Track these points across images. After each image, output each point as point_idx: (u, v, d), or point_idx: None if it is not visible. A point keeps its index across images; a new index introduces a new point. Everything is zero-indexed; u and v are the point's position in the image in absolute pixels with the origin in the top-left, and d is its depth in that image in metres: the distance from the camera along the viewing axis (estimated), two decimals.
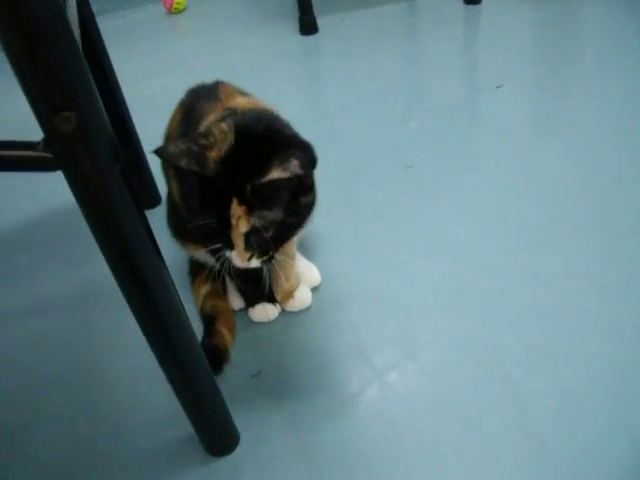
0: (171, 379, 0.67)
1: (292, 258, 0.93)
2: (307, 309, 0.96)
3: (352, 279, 1.00)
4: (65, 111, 0.46)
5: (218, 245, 0.70)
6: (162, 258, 0.60)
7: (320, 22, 1.94)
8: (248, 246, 0.68)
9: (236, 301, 0.96)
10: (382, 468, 0.73)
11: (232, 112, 0.72)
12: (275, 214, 0.67)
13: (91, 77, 0.49)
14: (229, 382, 0.85)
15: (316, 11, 1.92)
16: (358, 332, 0.91)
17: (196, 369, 0.68)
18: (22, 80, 0.45)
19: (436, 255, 1.03)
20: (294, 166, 0.64)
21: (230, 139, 0.67)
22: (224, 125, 0.68)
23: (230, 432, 0.77)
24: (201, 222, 0.67)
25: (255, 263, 0.70)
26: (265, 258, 0.71)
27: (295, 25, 1.94)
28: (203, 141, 0.66)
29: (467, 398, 0.79)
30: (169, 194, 0.94)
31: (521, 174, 1.19)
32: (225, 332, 0.88)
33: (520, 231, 1.05)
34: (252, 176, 0.64)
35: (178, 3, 2.28)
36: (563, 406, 0.77)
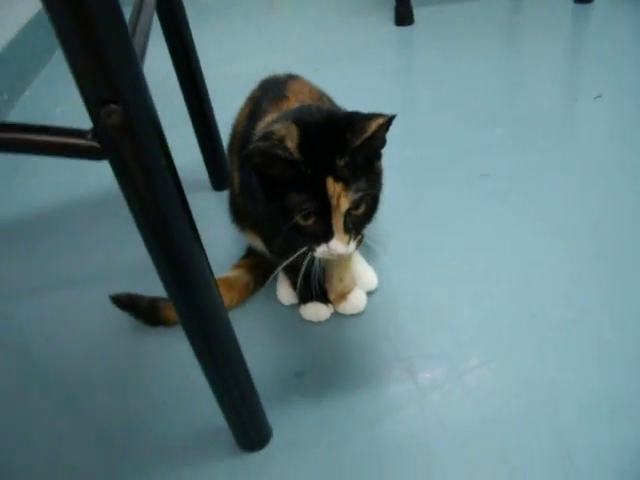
0: (205, 369, 0.67)
1: (349, 259, 0.91)
2: (359, 314, 0.93)
3: (410, 288, 0.97)
4: (112, 104, 0.46)
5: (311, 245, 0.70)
6: (203, 251, 0.60)
7: (417, 13, 1.89)
8: (346, 229, 0.68)
9: (286, 296, 0.96)
10: None
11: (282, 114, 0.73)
12: (364, 183, 0.67)
13: (142, 71, 0.48)
14: (271, 378, 0.85)
15: (414, 2, 1.86)
16: (408, 345, 0.88)
17: (229, 360, 0.68)
18: (73, 70, 0.45)
19: (502, 274, 0.97)
20: (376, 123, 0.65)
21: (293, 130, 0.66)
22: (280, 125, 0.68)
23: (261, 428, 0.77)
24: (295, 220, 0.67)
25: (352, 247, 0.70)
26: (359, 239, 0.71)
27: (391, 15, 1.90)
28: (274, 137, 0.66)
29: (510, 434, 0.75)
30: (231, 182, 0.94)
31: (612, 194, 1.10)
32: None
33: (603, 258, 0.97)
34: (336, 151, 0.65)
35: None
36: (616, 464, 0.70)
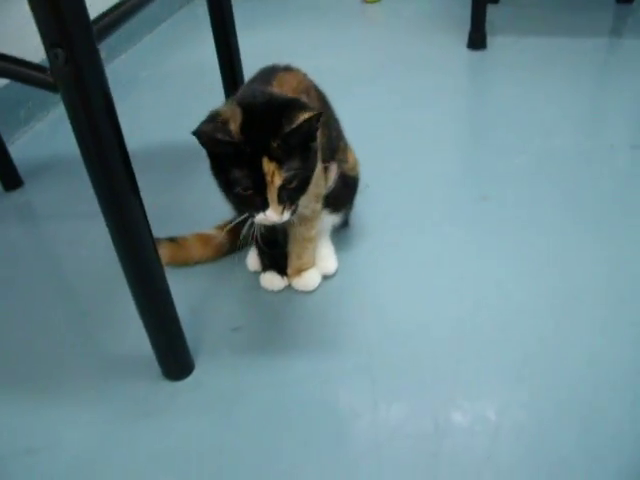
0: (135, 297, 0.79)
1: (309, 240, 0.99)
2: (311, 292, 1.02)
3: (368, 284, 1.03)
4: (58, 48, 0.59)
5: (250, 211, 0.80)
6: (134, 178, 0.72)
7: (491, 40, 1.92)
8: (280, 201, 0.78)
9: (252, 263, 1.06)
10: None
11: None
12: (297, 162, 0.77)
13: (90, 30, 0.61)
14: (212, 327, 0.96)
15: (489, 29, 1.90)
16: (341, 327, 0.95)
17: (157, 292, 0.80)
18: (36, 23, 0.59)
19: (464, 291, 1.00)
20: (303, 117, 0.74)
21: (238, 112, 0.76)
22: (227, 106, 0.78)
23: (181, 361, 0.88)
24: (237, 190, 0.78)
25: (287, 216, 0.80)
26: (293, 209, 0.81)
27: (464, 38, 1.94)
28: (219, 119, 0.76)
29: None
30: None
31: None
32: (192, 241, 1.06)
33: (614, 305, 0.94)
34: (271, 134, 0.74)
35: None
36: None
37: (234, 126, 0.75)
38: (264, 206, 0.78)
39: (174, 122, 1.63)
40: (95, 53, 0.63)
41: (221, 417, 0.83)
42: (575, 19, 2.09)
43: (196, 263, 1.08)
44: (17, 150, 1.45)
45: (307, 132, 0.77)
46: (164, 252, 1.02)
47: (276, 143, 0.75)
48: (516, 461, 0.74)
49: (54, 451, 0.80)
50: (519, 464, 0.73)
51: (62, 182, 1.45)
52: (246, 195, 0.78)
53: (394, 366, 0.87)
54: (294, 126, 0.74)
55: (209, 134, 0.75)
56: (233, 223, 0.87)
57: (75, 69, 0.61)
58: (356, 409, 0.81)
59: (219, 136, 0.74)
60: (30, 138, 1.69)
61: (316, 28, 2.27)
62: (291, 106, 0.76)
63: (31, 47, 1.65)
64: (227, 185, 0.79)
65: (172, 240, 1.07)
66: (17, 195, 1.43)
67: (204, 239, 1.07)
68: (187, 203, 1.29)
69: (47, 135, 1.71)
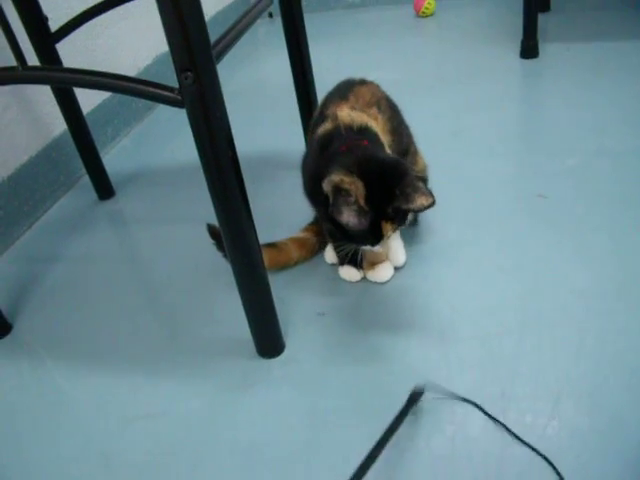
0: (240, 290, 0.93)
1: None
2: (385, 283, 1.12)
3: (441, 281, 1.11)
4: (188, 72, 0.72)
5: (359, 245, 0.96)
6: (244, 188, 0.85)
7: (543, 47, 1.99)
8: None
9: (329, 257, 1.18)
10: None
11: (349, 150, 0.92)
12: (404, 215, 0.91)
13: (212, 54, 0.74)
14: (297, 311, 1.08)
15: (541, 36, 1.97)
16: (410, 319, 1.05)
17: (259, 285, 0.93)
18: (171, 51, 0.72)
19: (541, 296, 1.05)
20: (420, 202, 0.85)
21: (360, 187, 0.87)
22: (350, 178, 0.87)
23: (275, 341, 1.00)
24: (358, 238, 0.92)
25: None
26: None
27: (517, 47, 2.02)
28: (350, 198, 0.86)
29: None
30: (304, 163, 1.11)
31: None
32: (290, 245, 1.15)
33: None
34: (388, 202, 0.87)
35: (426, 8, 2.50)
36: None
37: (362, 201, 0.87)
38: (374, 243, 0.92)
39: (246, 135, 1.77)
40: (215, 76, 0.76)
41: (310, 388, 0.94)
42: (626, 23, 2.15)
43: (295, 264, 1.19)
44: (107, 163, 1.61)
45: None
46: (266, 257, 1.11)
47: (391, 208, 0.87)
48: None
49: (170, 416, 0.94)
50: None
51: (148, 192, 1.62)
52: (360, 237, 0.92)
53: (463, 341, 0.97)
54: (411, 206, 0.85)
55: (347, 215, 0.87)
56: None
57: (200, 89, 0.74)
58: (431, 378, 0.91)
59: (355, 215, 0.87)
60: (117, 152, 1.87)
61: (373, 42, 2.41)
62: (405, 181, 0.86)
63: (125, 65, 1.84)
64: (343, 232, 0.92)
65: (272, 245, 1.15)
66: (110, 204, 1.60)
67: (300, 242, 1.18)
68: (266, 208, 1.42)
69: (131, 149, 1.89)
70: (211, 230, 1.12)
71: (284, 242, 1.18)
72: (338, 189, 0.86)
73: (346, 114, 0.99)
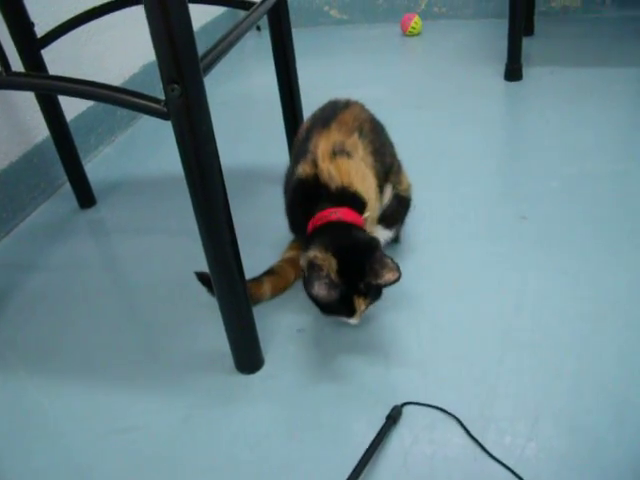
0: (222, 306, 0.92)
1: None
2: None
3: (422, 300, 1.11)
4: (175, 84, 0.72)
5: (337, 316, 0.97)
6: (227, 201, 0.84)
7: (527, 71, 2.02)
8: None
9: None
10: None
11: (326, 226, 0.97)
12: (376, 291, 0.95)
13: (199, 68, 0.74)
14: (279, 329, 1.07)
15: (525, 60, 2.01)
16: (406, 337, 1.05)
17: (238, 298, 0.92)
18: (158, 63, 0.72)
19: (520, 317, 1.06)
20: (388, 278, 0.89)
21: (334, 263, 0.90)
22: (324, 255, 0.91)
23: (253, 357, 0.99)
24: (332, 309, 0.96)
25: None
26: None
27: (501, 70, 2.05)
28: (321, 272, 0.89)
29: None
30: (286, 190, 1.13)
31: None
32: (266, 285, 1.11)
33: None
34: (360, 278, 0.91)
35: (413, 27, 2.54)
36: None
37: (334, 275, 0.90)
38: (349, 315, 0.95)
39: (231, 148, 1.76)
40: (202, 89, 0.76)
41: (288, 404, 0.94)
42: (608, 50, 2.19)
43: (292, 284, 1.17)
44: (89, 171, 1.59)
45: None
46: (268, 287, 1.12)
47: (363, 284, 0.91)
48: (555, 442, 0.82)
49: (147, 431, 0.92)
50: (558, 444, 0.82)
51: (130, 201, 1.60)
52: (334, 309, 0.95)
53: (443, 360, 0.97)
54: (380, 281, 0.90)
55: (317, 287, 0.90)
56: None
57: (187, 101, 0.74)
58: (410, 396, 0.91)
59: (325, 288, 0.90)
60: (100, 161, 1.85)
61: (360, 59, 2.43)
62: (375, 258, 0.90)
63: (111, 74, 1.83)
64: (317, 304, 0.96)
65: (271, 272, 1.14)
66: (91, 212, 1.58)
67: (293, 261, 1.16)
68: (248, 223, 1.41)
69: (114, 158, 1.87)
70: (201, 277, 1.09)
71: (279, 265, 1.16)
72: (312, 264, 0.90)
73: (325, 169, 1.00)
